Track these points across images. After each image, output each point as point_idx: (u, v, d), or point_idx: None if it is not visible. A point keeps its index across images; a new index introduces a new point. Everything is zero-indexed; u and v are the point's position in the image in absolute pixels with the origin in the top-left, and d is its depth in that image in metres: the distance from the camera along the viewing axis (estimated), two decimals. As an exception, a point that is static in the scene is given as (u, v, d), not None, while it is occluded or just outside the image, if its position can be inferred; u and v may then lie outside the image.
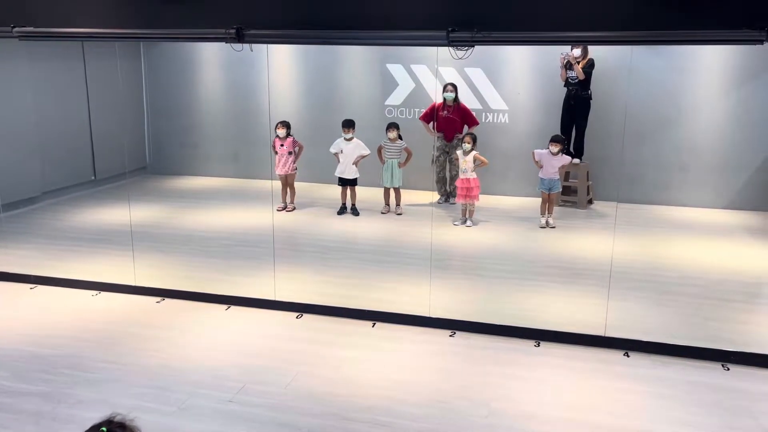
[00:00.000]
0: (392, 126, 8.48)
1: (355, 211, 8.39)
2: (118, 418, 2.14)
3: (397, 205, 8.53)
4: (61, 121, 9.15)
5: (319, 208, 8.67)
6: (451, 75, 9.49)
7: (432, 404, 4.05)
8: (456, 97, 8.77)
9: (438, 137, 8.84)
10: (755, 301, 5.88)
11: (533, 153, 8.14)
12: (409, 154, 8.48)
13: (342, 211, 8.42)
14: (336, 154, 8.39)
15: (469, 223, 7.93)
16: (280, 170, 8.50)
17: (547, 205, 7.96)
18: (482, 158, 7.99)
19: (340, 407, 4.00)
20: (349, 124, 8.35)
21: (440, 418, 3.89)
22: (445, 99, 8.75)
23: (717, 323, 5.22)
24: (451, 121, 8.76)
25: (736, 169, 8.85)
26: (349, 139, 8.33)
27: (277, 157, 8.49)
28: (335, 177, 8.47)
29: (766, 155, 8.72)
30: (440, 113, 8.75)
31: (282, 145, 8.43)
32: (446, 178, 9.01)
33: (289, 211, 8.52)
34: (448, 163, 8.91)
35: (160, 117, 10.96)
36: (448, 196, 9.02)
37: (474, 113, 9.00)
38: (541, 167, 7.98)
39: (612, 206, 8.77)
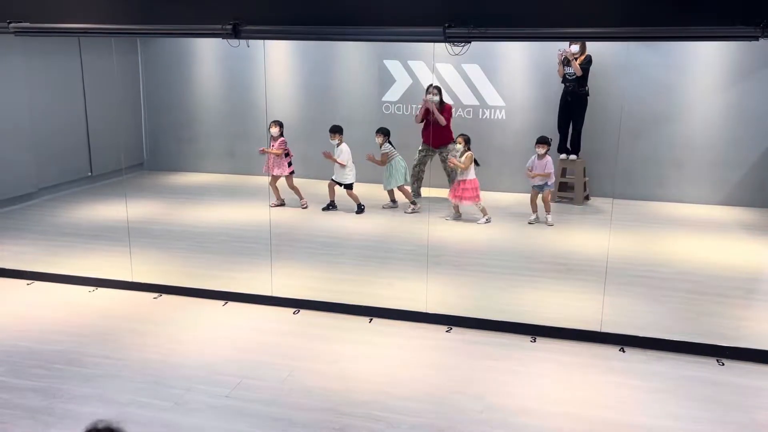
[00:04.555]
0: (379, 132, 8.36)
1: (360, 209, 8.31)
2: (101, 425, 2.09)
3: (412, 202, 8.46)
4: (58, 117, 9.14)
5: (315, 204, 8.66)
6: (448, 71, 9.50)
7: (428, 399, 4.06)
8: (441, 99, 8.67)
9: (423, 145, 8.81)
10: (750, 297, 5.90)
11: (527, 169, 8.04)
12: (385, 157, 8.35)
13: (328, 207, 8.40)
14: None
15: (482, 220, 7.89)
16: (276, 171, 8.42)
17: (543, 204, 7.97)
18: (469, 159, 7.85)
19: (337, 402, 4.02)
20: (336, 130, 8.26)
21: (436, 413, 3.91)
22: (430, 101, 8.54)
23: (712, 319, 5.25)
24: (438, 125, 8.60)
25: (731, 166, 8.88)
26: (337, 145, 8.29)
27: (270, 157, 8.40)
28: (330, 174, 8.45)
29: (762, 152, 8.75)
30: (428, 117, 8.58)
31: (273, 146, 8.39)
32: (422, 178, 8.94)
33: (305, 207, 8.50)
34: (427, 163, 8.86)
35: (157, 113, 10.96)
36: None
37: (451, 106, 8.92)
38: (536, 176, 7.95)
39: (608, 202, 8.81)
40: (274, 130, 8.35)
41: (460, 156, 7.86)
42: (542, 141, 7.93)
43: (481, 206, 7.97)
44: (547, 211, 7.97)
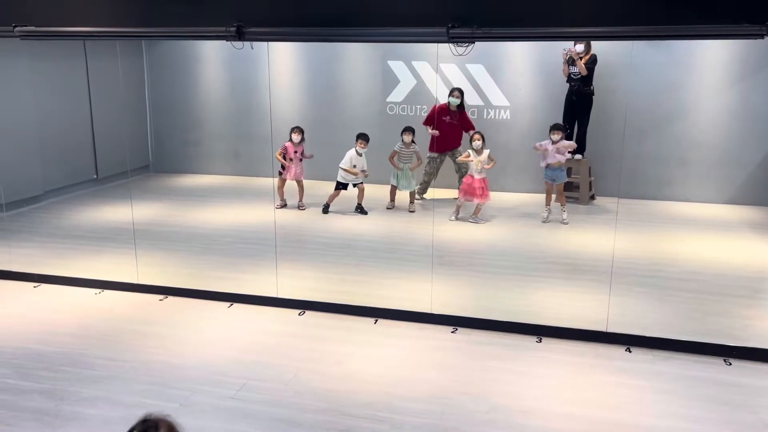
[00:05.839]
0: (408, 130, 8.43)
1: (362, 211, 8.35)
2: (153, 417, 2.14)
3: (411, 202, 8.56)
4: (63, 119, 9.17)
5: (320, 206, 8.66)
6: (452, 71, 9.49)
7: (433, 400, 4.06)
8: (461, 103, 8.69)
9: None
10: (757, 296, 5.87)
11: (536, 146, 8.04)
12: (420, 161, 8.55)
13: (326, 209, 8.39)
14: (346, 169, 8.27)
15: (481, 221, 7.92)
16: (297, 176, 8.47)
17: (558, 196, 7.94)
18: (493, 157, 7.97)
19: (342, 403, 4.02)
20: (366, 138, 8.28)
21: (441, 414, 3.91)
22: (449, 104, 8.66)
23: (718, 318, 5.22)
24: (454, 128, 8.69)
25: (737, 165, 8.84)
26: (361, 154, 8.31)
27: (292, 163, 8.40)
28: (335, 175, 8.45)
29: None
30: (442, 118, 8.64)
31: (296, 152, 8.41)
32: (429, 186, 8.97)
33: (302, 209, 8.53)
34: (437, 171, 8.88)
35: (162, 115, 10.99)
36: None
37: (471, 119, 8.97)
38: (545, 150, 7.88)
39: (613, 202, 8.78)
40: (297, 137, 8.35)
41: (479, 153, 7.87)
42: (558, 128, 7.88)
43: (483, 205, 8.01)
44: (562, 204, 7.93)
